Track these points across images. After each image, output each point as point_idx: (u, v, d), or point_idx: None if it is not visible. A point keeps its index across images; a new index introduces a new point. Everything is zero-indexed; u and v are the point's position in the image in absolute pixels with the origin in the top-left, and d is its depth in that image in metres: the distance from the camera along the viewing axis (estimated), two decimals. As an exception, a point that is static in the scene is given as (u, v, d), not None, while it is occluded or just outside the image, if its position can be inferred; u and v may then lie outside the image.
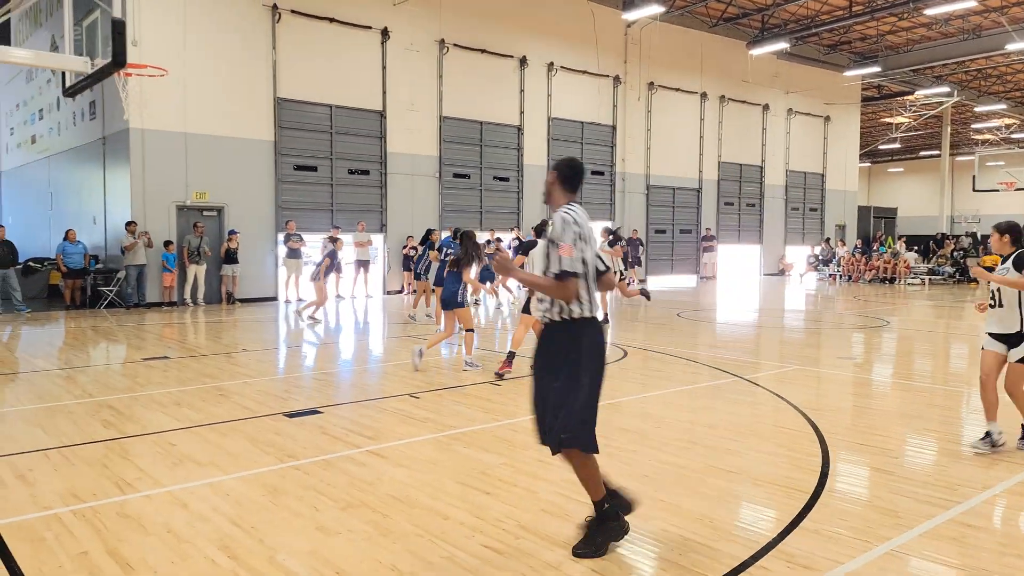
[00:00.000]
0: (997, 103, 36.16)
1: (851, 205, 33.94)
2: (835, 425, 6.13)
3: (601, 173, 24.38)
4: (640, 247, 24.61)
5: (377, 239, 19.13)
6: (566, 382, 3.55)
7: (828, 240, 30.34)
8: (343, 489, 4.54)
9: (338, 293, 18.09)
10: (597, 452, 3.63)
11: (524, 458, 5.21)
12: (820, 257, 28.96)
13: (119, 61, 6.68)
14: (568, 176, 3.76)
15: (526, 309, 8.27)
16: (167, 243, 15.76)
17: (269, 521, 4.04)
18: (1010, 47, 25.19)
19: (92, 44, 7.09)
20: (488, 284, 16.08)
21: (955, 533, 3.92)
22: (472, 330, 8.67)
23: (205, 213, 16.55)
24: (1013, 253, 5.24)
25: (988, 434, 5.29)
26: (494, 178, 21.62)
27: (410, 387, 7.66)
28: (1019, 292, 5.16)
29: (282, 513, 4.17)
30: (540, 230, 8.75)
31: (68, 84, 7.69)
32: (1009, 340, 5.23)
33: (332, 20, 17.94)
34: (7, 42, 7.95)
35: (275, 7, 17.02)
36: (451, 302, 8.52)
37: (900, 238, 30.36)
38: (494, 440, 5.67)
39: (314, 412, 6.55)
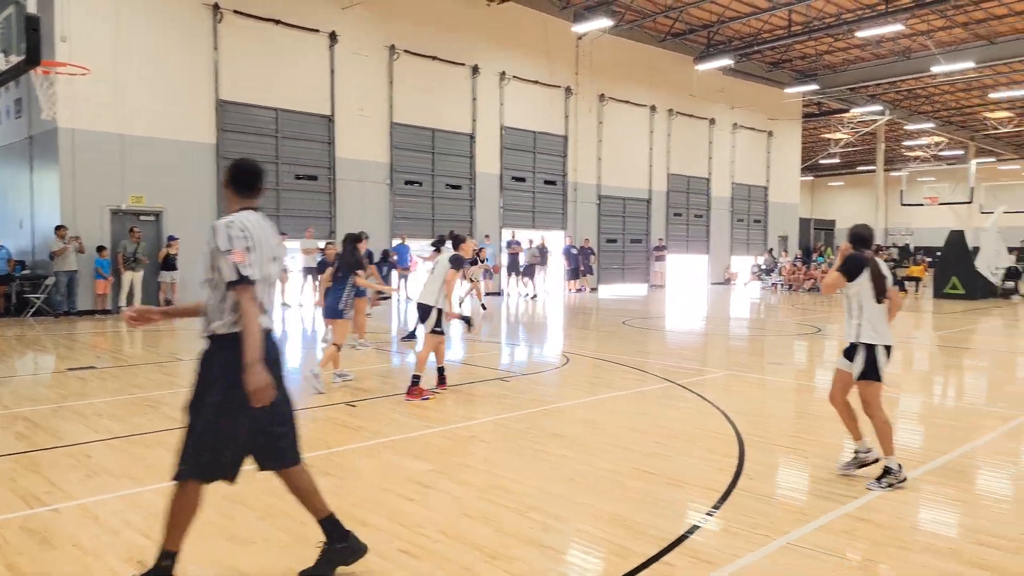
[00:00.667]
0: (926, 122, 37.87)
1: (792, 217, 34.97)
2: (756, 428, 6.30)
3: (553, 183, 24.60)
4: (591, 256, 24.88)
5: (324, 246, 18.88)
6: (217, 403, 3.17)
7: (771, 251, 31.18)
8: (263, 498, 4.46)
9: (283, 301, 17.76)
10: (217, 480, 3.23)
11: (452, 464, 5.22)
12: (763, 267, 29.72)
13: (33, 59, 6.44)
14: (235, 177, 3.33)
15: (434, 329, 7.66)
16: (100, 248, 15.27)
17: (182, 531, 3.94)
18: (936, 69, 26.40)
19: (8, 40, 6.83)
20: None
21: (847, 527, 4.10)
22: (339, 347, 8.07)
23: (142, 218, 16.10)
24: None
25: (857, 452, 5.01)
26: (446, 186, 21.61)
27: (348, 395, 7.58)
28: (848, 301, 4.84)
29: (195, 524, 4.05)
30: (438, 245, 8.46)
31: (-18, 81, 7.42)
32: (850, 353, 4.88)
33: (277, 22, 17.73)
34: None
35: (216, 6, 16.72)
36: (333, 312, 8.13)
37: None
38: (425, 447, 5.65)
39: (243, 420, 6.41)
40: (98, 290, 15.36)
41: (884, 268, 4.91)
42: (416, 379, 7.42)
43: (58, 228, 14.70)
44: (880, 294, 4.79)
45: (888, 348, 4.79)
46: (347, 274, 8.17)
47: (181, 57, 16.34)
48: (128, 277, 15.54)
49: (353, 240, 8.38)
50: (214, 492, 4.53)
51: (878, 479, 4.71)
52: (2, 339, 11.90)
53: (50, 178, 15.36)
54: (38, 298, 15.03)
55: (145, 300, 16.00)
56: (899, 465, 4.73)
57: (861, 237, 4.94)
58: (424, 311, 7.57)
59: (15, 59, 6.71)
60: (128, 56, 15.54)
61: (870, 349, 4.74)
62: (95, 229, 15.36)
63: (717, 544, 3.83)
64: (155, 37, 15.97)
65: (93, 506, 4.33)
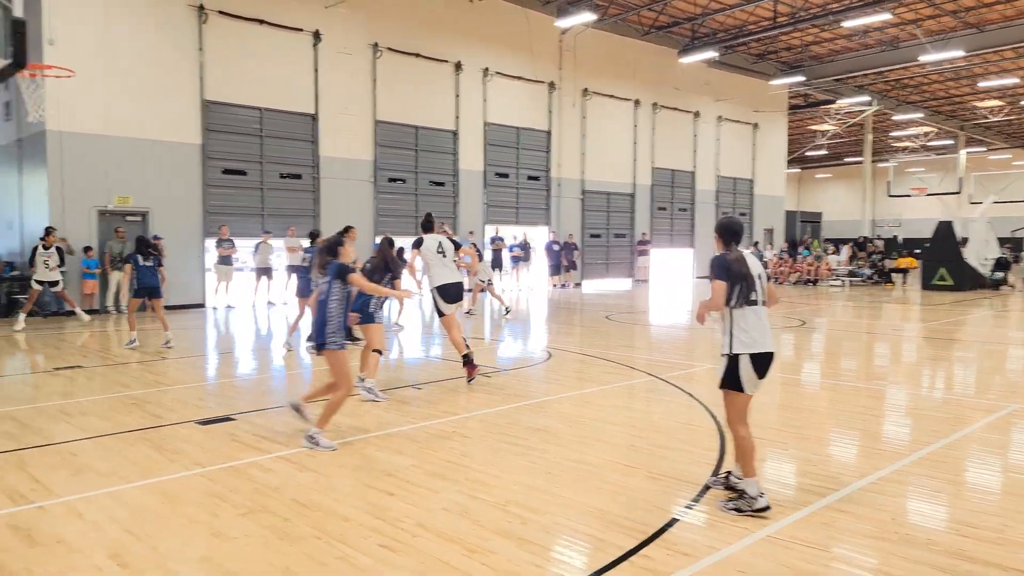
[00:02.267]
0: (914, 112, 38.07)
1: (779, 210, 35.16)
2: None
3: (537, 178, 24.64)
4: (575, 252, 24.97)
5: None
6: None
7: (756, 244, 31.35)
8: (246, 495, 4.53)
9: (269, 299, 17.80)
10: None
11: (433, 459, 5.29)
12: (749, 260, 29.84)
13: (19, 61, 6.47)
14: None
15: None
16: (87, 249, 15.23)
17: (165, 528, 4.01)
18: (923, 58, 26.58)
19: (-5, 44, 6.87)
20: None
21: (827, 519, 4.16)
22: (380, 351, 7.37)
23: (128, 218, 16.06)
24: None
25: (730, 473, 4.58)
26: (430, 183, 21.63)
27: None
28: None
29: (179, 520, 4.13)
30: (427, 226, 8.28)
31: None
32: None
33: (262, 22, 17.69)
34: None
35: (201, 7, 16.67)
36: (362, 315, 7.33)
37: (848, 243, 31.46)
38: (406, 442, 5.72)
39: (227, 419, 6.47)
40: (86, 290, 15.32)
41: (754, 266, 4.37)
42: (468, 357, 7.79)
43: (48, 230, 14.61)
44: (745, 296, 4.28)
45: (761, 356, 4.31)
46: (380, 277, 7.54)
47: (167, 58, 16.29)
48: (115, 277, 15.52)
49: (388, 243, 7.82)
50: (198, 489, 4.62)
51: (729, 499, 4.30)
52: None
53: (39, 180, 15.30)
54: (26, 299, 14.94)
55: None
56: (760, 493, 4.20)
57: (729, 230, 4.41)
58: (460, 289, 7.91)
59: (1, 62, 6.72)
60: (115, 58, 15.49)
61: (733, 359, 4.30)
62: (83, 230, 15.33)
63: (696, 536, 3.90)
64: (141, 39, 15.91)
65: (78, 503, 4.38)
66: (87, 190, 15.35)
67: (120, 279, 15.61)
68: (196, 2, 16.61)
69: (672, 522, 4.10)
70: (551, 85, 24.52)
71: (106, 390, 7.77)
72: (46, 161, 14.83)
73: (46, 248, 13.51)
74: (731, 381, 4.32)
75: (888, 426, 6.52)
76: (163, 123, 16.29)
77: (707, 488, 4.62)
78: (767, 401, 7.50)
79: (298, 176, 18.75)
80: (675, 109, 29.02)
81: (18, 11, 6.88)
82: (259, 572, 3.50)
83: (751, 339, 4.30)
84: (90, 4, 15.14)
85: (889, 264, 26.93)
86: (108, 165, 15.52)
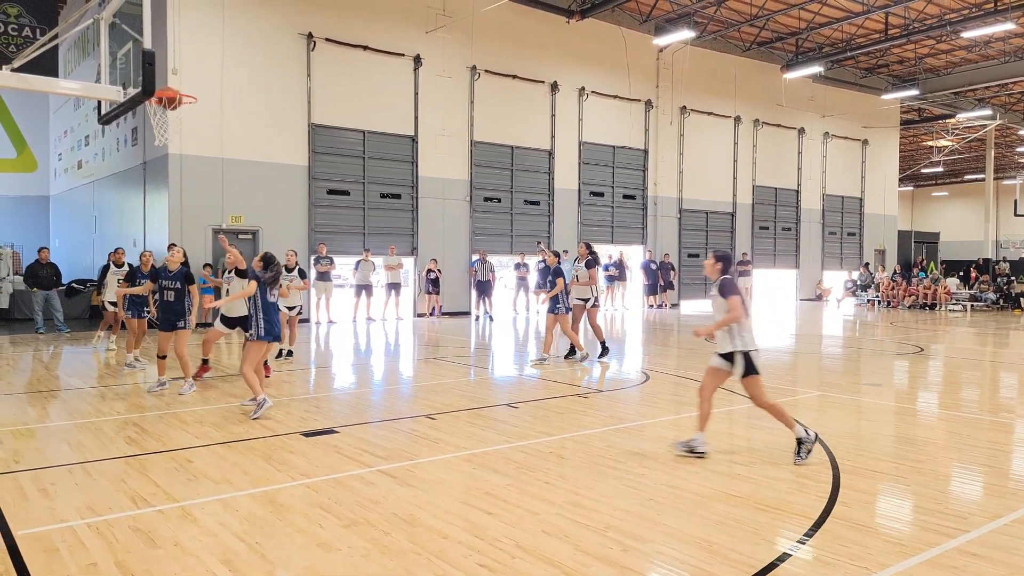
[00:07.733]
0: (1043, 126, 35.24)
1: (891, 230, 33.26)
2: (851, 452, 6.00)
3: (633, 197, 24.38)
4: (671, 271, 24.46)
5: (408, 262, 19.41)
6: None
7: (867, 265, 29.73)
8: (349, 507, 4.61)
9: (369, 315, 18.36)
10: None
11: (531, 480, 5.22)
12: (858, 282, 28.37)
13: (148, 90, 7.01)
14: None
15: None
16: (206, 265, 16.19)
17: (273, 537, 4.12)
18: (1054, 69, 24.61)
19: (127, 74, 7.46)
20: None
21: (957, 562, 3.81)
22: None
23: (240, 236, 17.00)
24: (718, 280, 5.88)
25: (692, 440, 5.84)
26: (525, 202, 21.79)
27: (428, 408, 7.73)
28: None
29: (286, 529, 4.25)
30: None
31: (103, 112, 8.09)
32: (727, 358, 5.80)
33: (366, 48, 18.44)
34: (55, 72, 8.41)
35: (310, 35, 17.57)
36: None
37: (942, 265, 29.47)
38: (504, 461, 5.69)
39: (330, 432, 6.65)
40: (206, 304, 16.24)
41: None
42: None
43: (170, 246, 15.65)
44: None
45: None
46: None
47: (278, 85, 17.26)
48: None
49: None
50: (303, 500, 4.74)
51: (797, 453, 5.57)
52: (116, 350, 12.77)
53: (160, 200, 16.48)
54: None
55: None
56: (805, 431, 5.58)
57: (730, 260, 6.13)
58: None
59: (132, 91, 7.30)
60: (230, 85, 16.54)
61: (746, 355, 5.70)
62: (199, 247, 16.36)
63: (810, 574, 3.67)
64: (254, 67, 16.94)
65: (193, 508, 4.58)
66: (203, 209, 16.39)
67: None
68: (305, 30, 17.52)
69: (783, 557, 3.86)
70: (648, 103, 24.27)
71: (219, 400, 8.18)
72: (167, 182, 15.96)
73: (118, 266, 12.67)
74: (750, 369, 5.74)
75: (1019, 463, 5.95)
76: (273, 146, 17.22)
77: (822, 523, 4.33)
78: (881, 432, 7.01)
79: (398, 196, 19.32)
80: (778, 126, 28.07)
81: (147, 43, 7.46)
82: (361, 585, 3.53)
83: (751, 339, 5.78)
84: (210, 35, 16.25)
85: (1017, 288, 24.88)
86: (223, 186, 16.54)
